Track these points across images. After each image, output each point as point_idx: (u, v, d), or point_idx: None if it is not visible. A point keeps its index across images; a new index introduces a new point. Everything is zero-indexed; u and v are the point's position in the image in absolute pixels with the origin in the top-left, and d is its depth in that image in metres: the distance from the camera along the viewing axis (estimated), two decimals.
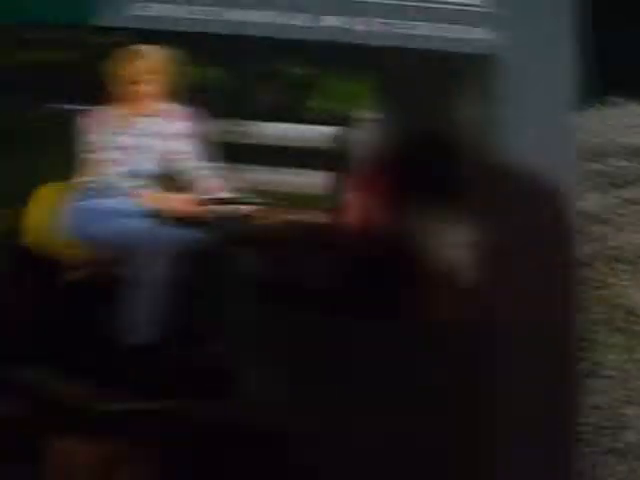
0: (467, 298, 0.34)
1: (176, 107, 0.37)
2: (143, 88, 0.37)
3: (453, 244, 0.35)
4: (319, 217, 0.36)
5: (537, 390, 0.33)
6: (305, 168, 0.36)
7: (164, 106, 0.37)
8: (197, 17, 0.38)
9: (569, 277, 0.35)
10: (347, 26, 0.38)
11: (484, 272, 0.34)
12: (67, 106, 0.37)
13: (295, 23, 0.38)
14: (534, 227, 0.36)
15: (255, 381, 0.33)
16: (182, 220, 0.35)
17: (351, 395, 0.33)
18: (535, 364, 0.34)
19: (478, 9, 0.39)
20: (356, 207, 0.36)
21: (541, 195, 0.36)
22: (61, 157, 0.36)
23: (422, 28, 0.38)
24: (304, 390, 0.33)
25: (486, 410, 0.33)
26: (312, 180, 0.36)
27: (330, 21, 0.38)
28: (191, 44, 0.38)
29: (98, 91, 0.37)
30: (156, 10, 0.38)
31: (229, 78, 0.38)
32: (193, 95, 0.37)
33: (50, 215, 0.35)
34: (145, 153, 0.36)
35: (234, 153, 0.36)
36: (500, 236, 0.35)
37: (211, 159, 0.36)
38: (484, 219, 0.35)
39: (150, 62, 0.37)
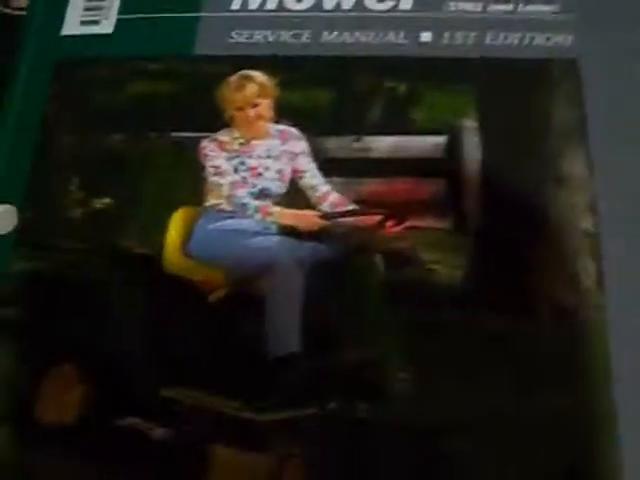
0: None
1: (287, 128, 0.39)
2: (254, 112, 0.39)
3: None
4: (434, 222, 0.38)
5: None
6: (416, 177, 0.38)
7: (276, 127, 0.39)
8: (299, 41, 0.40)
9: None
10: (444, 41, 0.40)
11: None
12: (188, 134, 0.39)
13: (394, 41, 0.40)
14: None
15: (394, 381, 0.35)
16: (310, 234, 0.37)
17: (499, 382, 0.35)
18: None
19: (558, 16, 0.41)
20: (464, 210, 0.38)
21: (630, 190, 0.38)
22: (190, 182, 0.38)
23: (510, 38, 0.41)
24: (434, 387, 0.35)
25: None
26: (424, 188, 0.38)
27: (426, 37, 0.40)
28: (295, 66, 0.40)
29: (214, 118, 0.39)
30: (260, 36, 0.41)
31: (336, 97, 0.40)
32: (301, 115, 0.39)
33: (185, 239, 0.37)
34: (267, 173, 0.38)
35: (349, 167, 0.38)
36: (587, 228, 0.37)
37: (328, 175, 0.38)
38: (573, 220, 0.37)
39: (258, 86, 0.39)
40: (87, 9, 0.42)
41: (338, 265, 0.37)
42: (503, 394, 0.35)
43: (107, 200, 0.38)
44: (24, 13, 0.46)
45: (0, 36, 0.45)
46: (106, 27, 0.42)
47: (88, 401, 0.35)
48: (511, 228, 0.37)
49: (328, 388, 0.35)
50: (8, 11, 0.48)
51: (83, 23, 0.42)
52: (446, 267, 0.37)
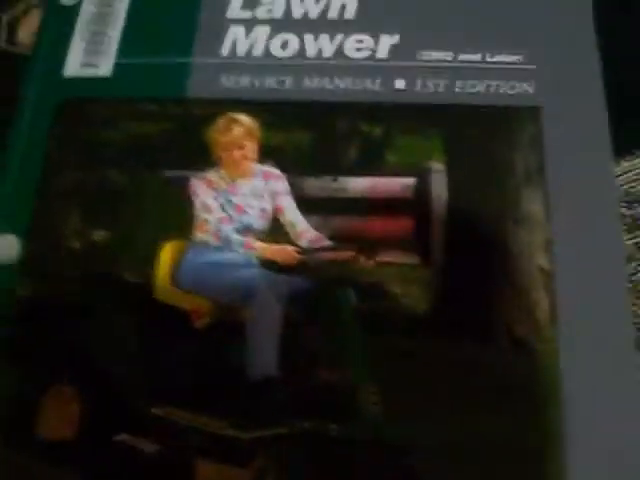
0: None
1: (270, 168, 0.42)
2: (240, 153, 0.42)
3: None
4: (403, 257, 0.41)
5: None
6: (388, 215, 0.42)
7: (260, 168, 0.43)
8: (283, 87, 0.44)
9: None
10: (417, 88, 0.44)
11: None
12: (178, 172, 0.42)
13: (371, 87, 0.44)
14: None
15: (367, 400, 0.38)
16: (289, 267, 0.40)
17: (461, 405, 0.38)
18: None
19: (523, 66, 0.45)
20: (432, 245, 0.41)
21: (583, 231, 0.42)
22: (178, 217, 0.41)
23: (477, 86, 0.44)
24: (400, 410, 0.39)
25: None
26: (395, 226, 0.41)
27: (400, 84, 0.44)
28: (279, 110, 0.43)
29: (204, 157, 0.42)
30: (247, 81, 0.44)
31: (315, 139, 0.43)
32: (283, 156, 0.43)
33: (174, 270, 0.40)
34: (251, 211, 0.42)
35: (326, 206, 0.42)
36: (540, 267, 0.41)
37: (306, 212, 0.41)
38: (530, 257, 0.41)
39: (244, 129, 0.42)
40: (87, 52, 0.46)
41: (314, 296, 0.40)
42: (462, 418, 0.38)
43: (104, 232, 0.41)
44: (28, 52, 0.50)
45: (4, 72, 0.49)
46: (105, 70, 0.45)
47: (84, 418, 0.39)
48: (473, 263, 0.41)
49: (304, 409, 0.38)
50: (12, 49, 0.51)
51: (83, 66, 0.45)
52: (413, 299, 0.40)
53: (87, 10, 0.47)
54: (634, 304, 0.43)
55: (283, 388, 0.38)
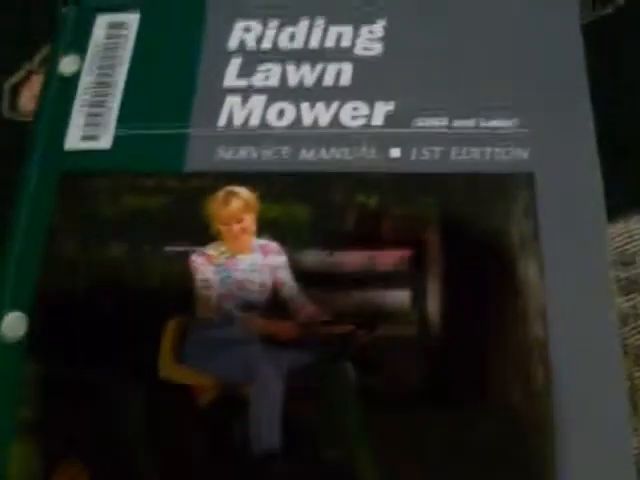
0: None
1: (268, 242, 0.43)
2: (239, 227, 0.43)
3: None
4: (401, 330, 0.42)
5: None
6: (385, 289, 0.43)
7: (259, 242, 0.43)
8: (279, 157, 0.45)
9: None
10: (412, 157, 0.44)
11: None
12: (178, 247, 0.43)
13: (366, 156, 0.44)
14: None
15: (367, 476, 0.40)
16: (288, 343, 0.41)
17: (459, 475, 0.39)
18: None
19: (517, 131, 0.45)
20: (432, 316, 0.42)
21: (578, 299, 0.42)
22: (180, 293, 0.42)
23: (472, 153, 0.45)
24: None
25: None
26: (392, 299, 0.42)
27: (396, 153, 0.44)
28: (276, 182, 0.44)
29: (202, 231, 0.43)
30: (244, 153, 0.45)
31: (312, 212, 0.44)
32: (280, 229, 0.43)
33: (177, 347, 0.41)
34: (250, 286, 0.43)
35: (323, 280, 0.42)
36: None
37: (304, 286, 0.42)
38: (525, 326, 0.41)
39: (243, 202, 0.43)
40: (87, 124, 0.46)
41: (314, 371, 0.41)
42: None
43: (108, 309, 0.43)
44: (30, 119, 0.50)
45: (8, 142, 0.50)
46: (104, 142, 0.46)
47: None
48: (469, 334, 0.42)
49: None
50: (14, 117, 0.52)
51: (84, 138, 0.46)
52: (411, 371, 0.41)
53: (86, 80, 0.48)
54: (629, 367, 0.44)
55: (285, 465, 0.40)
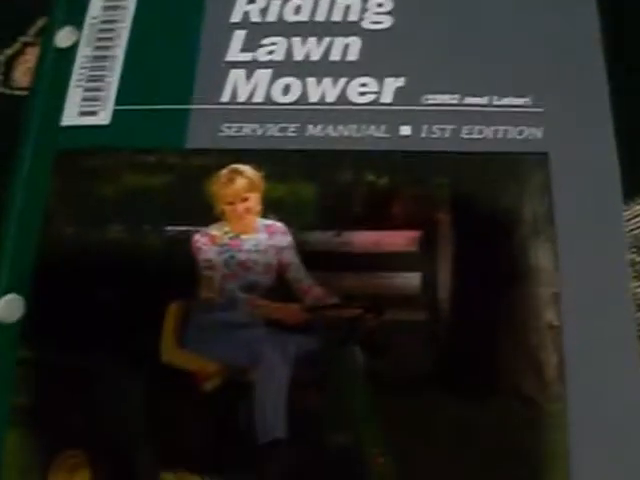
0: None
1: (274, 223, 0.42)
2: (243, 206, 0.42)
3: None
4: (409, 314, 0.41)
5: None
6: (394, 271, 0.41)
7: (263, 222, 0.42)
8: (285, 134, 0.43)
9: None
10: (422, 134, 0.43)
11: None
12: (179, 227, 0.41)
13: (376, 134, 0.43)
14: None
15: (374, 461, 0.39)
16: (294, 326, 0.40)
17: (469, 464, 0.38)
18: None
19: (530, 109, 0.43)
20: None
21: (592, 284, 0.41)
22: (182, 275, 0.41)
23: (485, 131, 0.43)
24: (409, 468, 0.39)
25: None
26: (401, 282, 0.41)
27: (406, 130, 0.43)
28: (282, 160, 0.43)
29: (206, 211, 0.41)
30: (248, 130, 0.43)
31: (319, 191, 0.42)
32: (286, 209, 0.42)
33: (179, 331, 0.40)
34: (255, 267, 0.41)
35: (331, 261, 0.41)
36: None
37: (311, 268, 0.41)
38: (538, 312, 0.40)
39: (247, 181, 0.42)
40: (85, 99, 0.45)
41: (320, 355, 0.40)
42: (470, 476, 0.38)
43: (108, 291, 0.41)
44: (25, 93, 0.49)
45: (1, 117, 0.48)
46: (103, 118, 0.44)
47: None
48: (480, 319, 0.40)
49: (312, 469, 0.39)
50: (8, 91, 0.50)
51: (82, 114, 0.44)
52: (419, 356, 0.40)
53: (83, 53, 0.46)
54: None
55: (290, 448, 0.38)
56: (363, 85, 0.44)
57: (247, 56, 0.45)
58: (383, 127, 0.43)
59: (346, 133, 0.43)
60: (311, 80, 0.44)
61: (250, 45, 0.45)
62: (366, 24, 0.46)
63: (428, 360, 0.40)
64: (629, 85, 0.45)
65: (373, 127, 0.43)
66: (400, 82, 0.44)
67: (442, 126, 0.43)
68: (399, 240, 0.41)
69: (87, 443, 0.39)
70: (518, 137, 0.43)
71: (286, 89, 0.44)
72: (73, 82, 0.45)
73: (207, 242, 0.41)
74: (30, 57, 0.50)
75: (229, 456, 0.39)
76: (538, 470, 0.38)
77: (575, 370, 0.39)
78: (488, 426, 0.39)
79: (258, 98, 0.44)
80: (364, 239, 0.41)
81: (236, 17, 0.46)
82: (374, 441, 0.39)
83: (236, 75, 0.44)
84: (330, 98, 0.44)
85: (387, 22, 0.46)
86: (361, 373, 0.39)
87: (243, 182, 0.42)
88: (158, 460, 0.39)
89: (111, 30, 0.46)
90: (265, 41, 0.45)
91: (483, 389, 0.39)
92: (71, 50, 0.46)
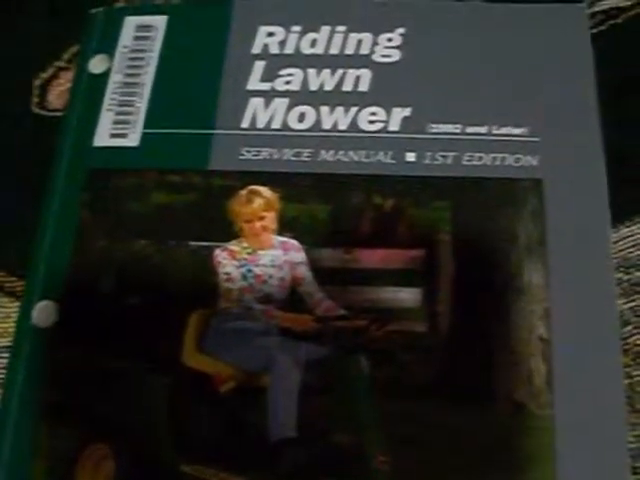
0: None
1: (289, 240, 0.45)
2: (261, 224, 0.45)
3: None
4: (412, 326, 0.44)
5: None
6: (398, 285, 0.45)
7: (279, 239, 0.45)
8: (300, 158, 0.47)
9: None
10: (426, 161, 0.46)
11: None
12: (202, 242, 0.45)
13: (383, 160, 0.46)
14: None
15: (377, 462, 0.42)
16: (306, 335, 0.44)
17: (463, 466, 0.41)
18: None
19: (527, 139, 0.47)
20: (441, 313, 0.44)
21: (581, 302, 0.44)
22: (204, 286, 0.45)
23: (484, 158, 0.47)
24: (408, 469, 0.42)
25: None
26: (404, 296, 0.45)
27: (411, 157, 0.46)
28: (296, 182, 0.46)
29: (225, 228, 0.45)
30: (266, 153, 0.47)
31: (330, 211, 0.46)
32: (300, 228, 0.46)
33: (200, 337, 0.44)
34: (270, 280, 0.45)
35: (340, 277, 0.45)
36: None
37: (322, 283, 0.44)
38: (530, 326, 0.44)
39: (264, 201, 0.45)
40: (116, 122, 0.48)
41: (329, 362, 0.43)
42: (466, 474, 0.42)
43: (135, 299, 0.45)
44: (58, 115, 0.53)
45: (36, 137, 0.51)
46: (133, 140, 0.48)
47: (118, 475, 0.42)
48: (476, 332, 0.44)
49: (320, 467, 0.42)
50: (43, 112, 0.53)
51: (112, 136, 0.48)
52: (420, 365, 0.44)
53: (115, 79, 0.50)
54: (629, 365, 0.46)
55: (300, 448, 0.42)
56: (373, 114, 0.48)
57: (266, 85, 0.49)
58: (390, 153, 0.47)
59: (356, 158, 0.47)
60: (324, 109, 0.48)
61: (269, 75, 0.49)
62: (376, 57, 0.50)
63: (428, 368, 0.43)
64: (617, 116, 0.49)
65: (381, 153, 0.47)
66: (407, 112, 0.48)
67: (445, 153, 0.47)
68: (403, 258, 0.45)
69: (112, 437, 0.43)
70: (515, 164, 0.46)
71: (301, 117, 0.48)
72: (105, 106, 0.49)
73: (227, 256, 0.45)
74: (64, 81, 0.54)
75: (243, 452, 0.42)
76: (528, 470, 0.41)
77: (563, 380, 0.42)
78: (482, 430, 0.42)
79: (275, 124, 0.48)
80: (371, 256, 0.45)
81: (257, 49, 0.50)
82: (376, 442, 0.42)
83: (256, 103, 0.48)
84: (342, 126, 0.48)
85: (396, 56, 0.49)
86: (367, 380, 0.43)
87: (260, 202, 0.45)
88: (177, 454, 0.42)
89: (141, 59, 0.50)
90: (283, 72, 0.49)
91: (478, 398, 0.43)
92: (103, 76, 0.50)
